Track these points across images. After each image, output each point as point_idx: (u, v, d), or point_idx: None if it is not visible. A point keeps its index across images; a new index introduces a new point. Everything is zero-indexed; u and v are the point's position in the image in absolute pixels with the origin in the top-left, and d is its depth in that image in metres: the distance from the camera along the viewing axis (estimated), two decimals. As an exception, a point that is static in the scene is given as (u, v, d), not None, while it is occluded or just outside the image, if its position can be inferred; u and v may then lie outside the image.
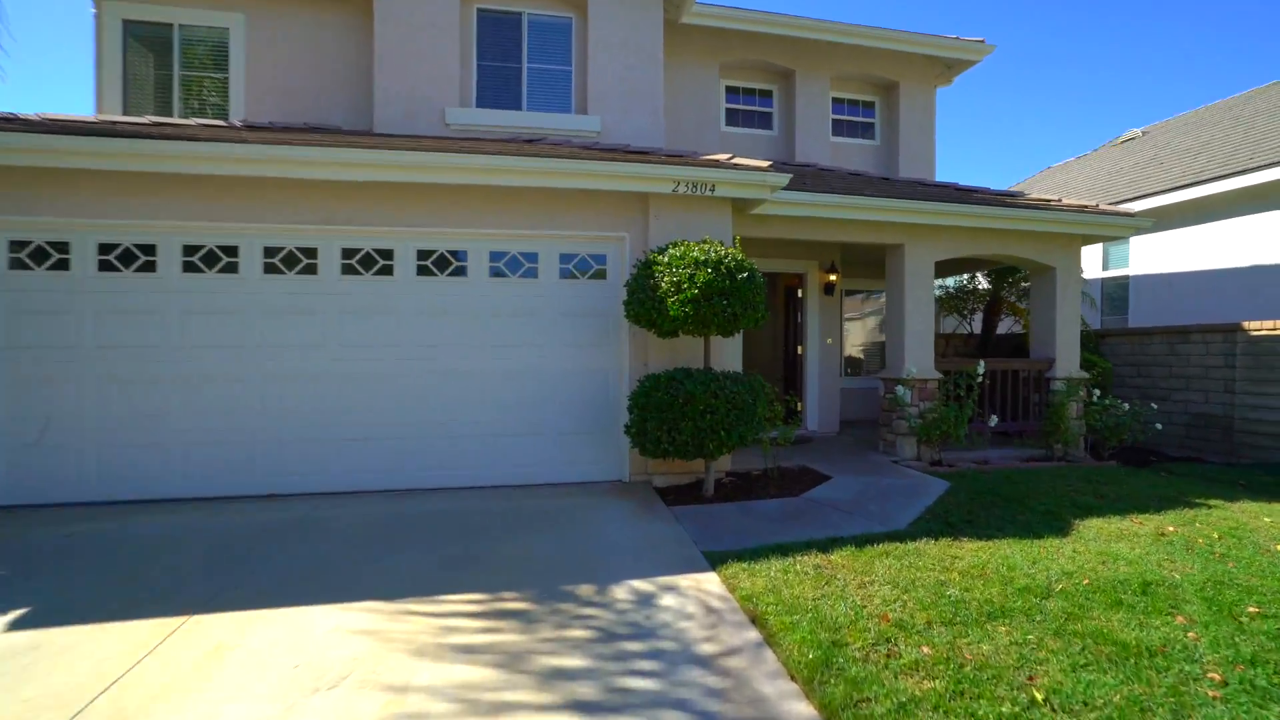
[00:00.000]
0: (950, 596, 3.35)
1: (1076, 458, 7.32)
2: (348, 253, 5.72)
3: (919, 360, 7.21)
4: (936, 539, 4.25)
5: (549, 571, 3.80)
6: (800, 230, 6.86)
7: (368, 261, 5.76)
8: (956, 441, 6.82)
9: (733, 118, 9.95)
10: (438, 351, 5.85)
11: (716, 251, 5.04)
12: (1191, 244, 10.44)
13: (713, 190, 5.84)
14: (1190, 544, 4.19)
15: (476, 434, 5.89)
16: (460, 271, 5.92)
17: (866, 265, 10.73)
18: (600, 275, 6.15)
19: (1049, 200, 7.56)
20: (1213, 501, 5.30)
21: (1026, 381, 7.78)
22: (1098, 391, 7.22)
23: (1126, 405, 7.14)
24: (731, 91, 9.95)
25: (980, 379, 6.94)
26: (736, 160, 5.89)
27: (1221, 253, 10.04)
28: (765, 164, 5.87)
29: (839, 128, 10.35)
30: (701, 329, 5.02)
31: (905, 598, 3.34)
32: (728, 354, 6.15)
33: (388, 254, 5.80)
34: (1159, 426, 7.46)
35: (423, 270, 5.85)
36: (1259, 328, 7.73)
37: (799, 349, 9.40)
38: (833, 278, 9.04)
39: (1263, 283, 9.49)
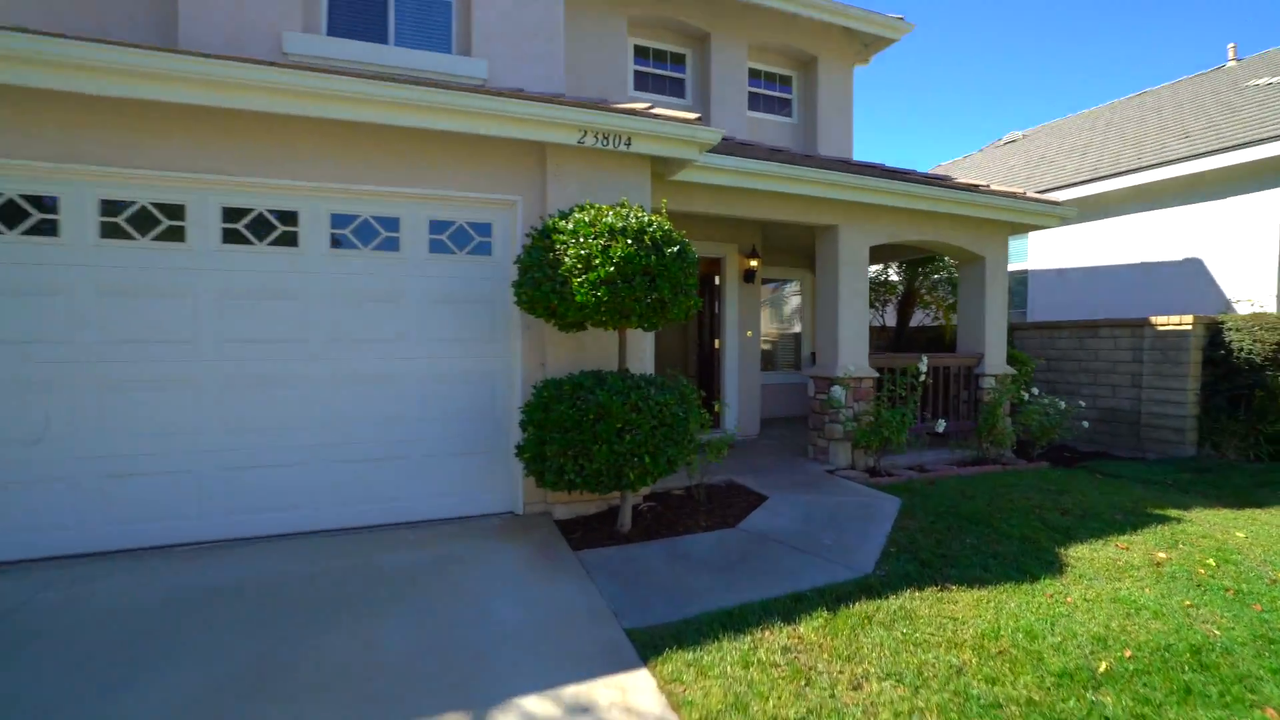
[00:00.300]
0: (978, 697, 2.40)
1: (1008, 459, 6.90)
2: (111, 207, 3.96)
3: (854, 356, 6.45)
4: (920, 588, 3.35)
5: (398, 689, 2.47)
6: (726, 204, 5.83)
7: (144, 221, 4.02)
8: (897, 448, 6.11)
9: (642, 82, 8.80)
10: (254, 349, 4.23)
11: (638, 218, 3.85)
12: (1086, 240, 10.63)
13: (628, 145, 4.64)
14: (1194, 577, 3.58)
15: (314, 460, 4.34)
16: (288, 239, 4.32)
17: (781, 252, 10.03)
18: (484, 250, 4.77)
19: (978, 186, 7.08)
20: (1171, 512, 4.87)
21: (956, 378, 7.29)
22: (1035, 390, 6.85)
23: (1064, 404, 6.78)
24: (641, 54, 8.80)
25: (924, 377, 6.29)
26: (657, 110, 4.73)
27: (1114, 249, 10.26)
28: (693, 115, 4.75)
29: (756, 102, 9.51)
30: (618, 320, 3.81)
31: (920, 705, 2.35)
32: (645, 351, 5.01)
33: (176, 211, 4.09)
34: (1086, 424, 7.24)
35: (232, 236, 4.20)
36: (1165, 323, 7.71)
37: (715, 343, 8.47)
38: (754, 263, 8.17)
39: (1152, 279, 9.76)
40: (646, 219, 3.86)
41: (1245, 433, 7.36)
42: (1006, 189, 7.22)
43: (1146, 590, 3.37)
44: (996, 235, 7.33)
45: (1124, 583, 3.47)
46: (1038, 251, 11.40)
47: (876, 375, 6.53)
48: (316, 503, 4.34)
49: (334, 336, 4.39)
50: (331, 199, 4.38)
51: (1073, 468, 6.85)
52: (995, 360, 7.33)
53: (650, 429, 3.66)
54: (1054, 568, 3.66)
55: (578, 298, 3.60)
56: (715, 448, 4.88)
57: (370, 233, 4.50)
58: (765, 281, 10.28)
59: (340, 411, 4.39)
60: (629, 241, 3.64)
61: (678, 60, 8.99)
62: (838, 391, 6.17)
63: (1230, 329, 7.55)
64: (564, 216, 3.93)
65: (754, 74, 9.45)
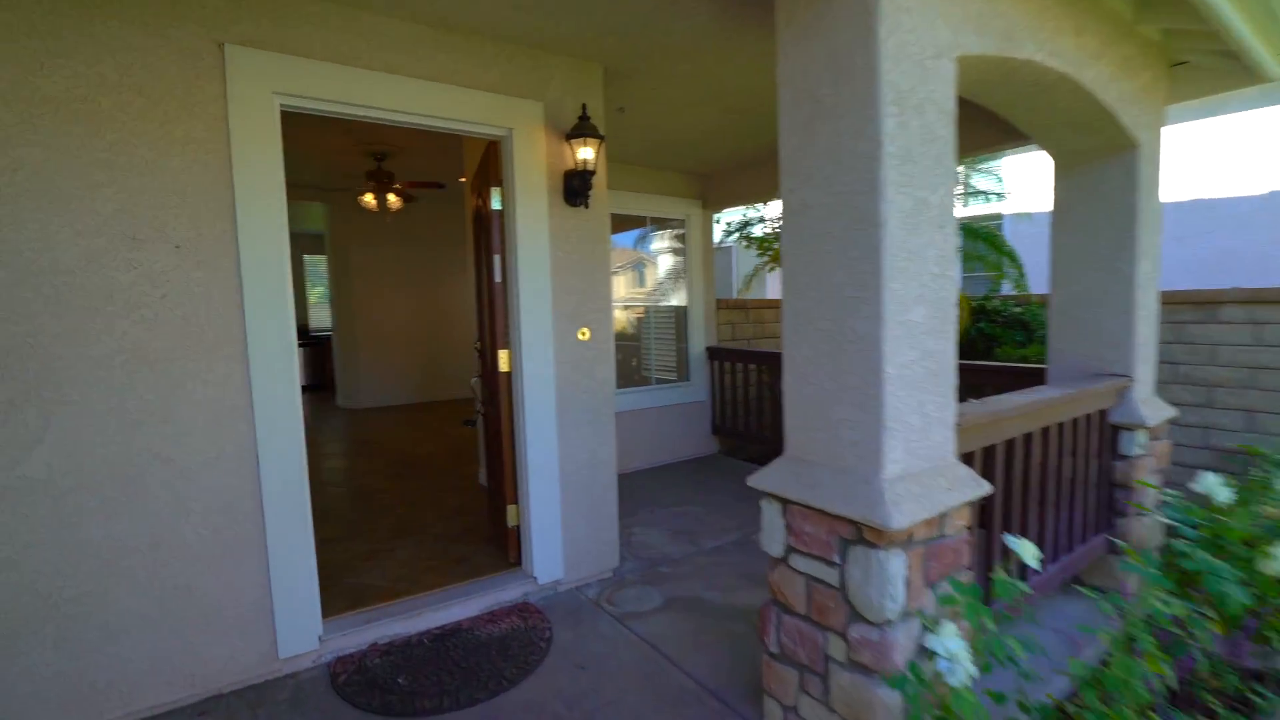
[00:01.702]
0: None
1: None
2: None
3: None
4: None
5: None
6: None
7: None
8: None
9: None
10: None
11: None
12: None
13: None
14: None
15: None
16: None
17: (647, 156, 5.34)
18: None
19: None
20: None
21: (1081, 435, 2.97)
22: None
23: None
24: None
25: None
26: None
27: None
28: None
29: None
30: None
31: None
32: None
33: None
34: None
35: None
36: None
37: (501, 356, 3.49)
38: (588, 151, 3.23)
39: (1216, 217, 6.28)
40: None
41: None
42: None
43: None
44: (1154, 92, 3.05)
45: None
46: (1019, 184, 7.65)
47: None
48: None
49: None
50: None
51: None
52: (1146, 389, 3.14)
53: None
54: None
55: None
56: None
57: None
58: (621, 227, 5.48)
59: None
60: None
61: None
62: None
63: None
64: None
65: None
